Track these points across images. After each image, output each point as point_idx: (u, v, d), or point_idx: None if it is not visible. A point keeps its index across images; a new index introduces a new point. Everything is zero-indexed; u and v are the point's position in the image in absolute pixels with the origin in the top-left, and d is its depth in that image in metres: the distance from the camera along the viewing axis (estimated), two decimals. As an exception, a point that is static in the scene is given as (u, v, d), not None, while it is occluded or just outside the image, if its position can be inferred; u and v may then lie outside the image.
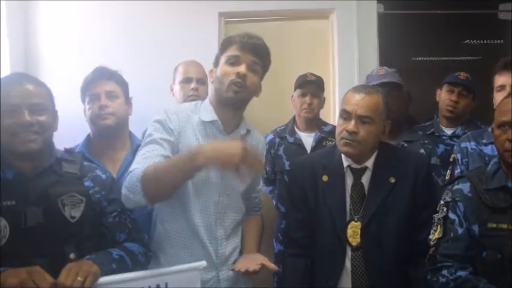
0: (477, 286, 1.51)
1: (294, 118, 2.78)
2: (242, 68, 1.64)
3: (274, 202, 2.79)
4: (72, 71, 2.84)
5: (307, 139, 2.69)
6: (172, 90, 2.52)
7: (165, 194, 1.55)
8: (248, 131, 1.79)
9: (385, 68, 2.47)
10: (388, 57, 3.26)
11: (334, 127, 2.65)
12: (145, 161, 1.54)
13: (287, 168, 2.61)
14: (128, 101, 2.09)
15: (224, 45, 1.69)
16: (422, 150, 2.31)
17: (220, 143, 1.56)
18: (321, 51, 3.25)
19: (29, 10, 3.05)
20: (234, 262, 1.72)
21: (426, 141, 2.46)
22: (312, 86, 2.67)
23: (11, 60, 2.87)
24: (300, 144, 2.67)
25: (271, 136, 2.78)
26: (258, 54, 1.68)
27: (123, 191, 1.52)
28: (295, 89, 2.73)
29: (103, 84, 2.01)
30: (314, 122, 2.72)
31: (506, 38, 3.36)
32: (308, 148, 2.66)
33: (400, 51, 3.39)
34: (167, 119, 1.63)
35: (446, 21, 3.31)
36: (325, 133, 2.67)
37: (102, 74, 2.02)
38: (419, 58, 3.43)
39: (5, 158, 1.45)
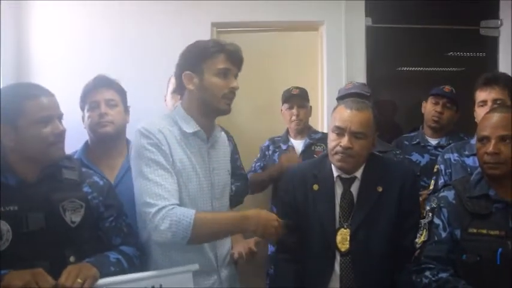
0: (456, 287, 1.59)
1: (287, 129, 2.93)
2: (235, 83, 1.68)
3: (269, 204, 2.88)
4: (64, 80, 2.85)
5: (298, 145, 2.83)
6: (165, 100, 2.56)
7: (206, 242, 1.66)
8: (220, 132, 1.84)
9: (353, 81, 2.74)
10: (375, 67, 3.35)
11: (323, 134, 2.82)
12: (167, 193, 1.55)
13: None
14: (126, 109, 2.13)
15: (207, 53, 1.65)
16: None
17: (262, 215, 1.64)
18: (310, 62, 3.33)
19: (21, 16, 3.06)
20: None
21: (398, 152, 2.59)
22: (297, 99, 2.82)
23: (2, 67, 2.84)
24: (292, 150, 2.80)
25: (267, 142, 2.95)
26: (241, 66, 1.72)
27: (163, 228, 1.52)
28: (282, 104, 2.88)
29: (103, 92, 2.05)
30: (305, 130, 2.86)
31: (487, 51, 3.49)
32: (298, 153, 2.79)
33: (387, 62, 3.48)
34: (157, 140, 1.60)
35: (431, 34, 3.41)
36: (314, 140, 2.80)
37: (102, 82, 2.07)
38: (405, 68, 3.51)
39: (9, 165, 1.49)
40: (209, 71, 1.64)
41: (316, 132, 2.90)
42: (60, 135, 1.53)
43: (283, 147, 2.84)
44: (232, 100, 1.69)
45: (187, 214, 1.53)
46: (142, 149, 1.59)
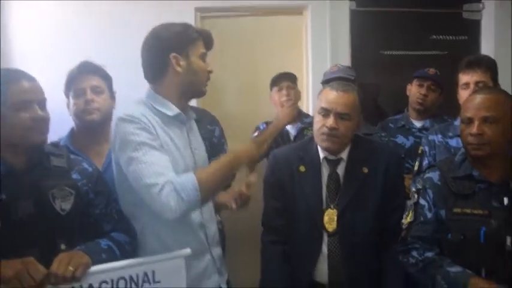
0: (442, 265, 1.64)
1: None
2: (210, 67, 1.73)
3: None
4: (49, 67, 2.80)
5: (291, 130, 2.85)
6: None
7: (215, 194, 1.69)
8: (193, 114, 1.83)
9: (338, 64, 2.74)
10: (359, 51, 3.37)
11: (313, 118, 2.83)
12: (167, 169, 1.53)
13: None
14: (112, 95, 2.10)
15: (190, 38, 1.67)
16: None
17: (246, 146, 1.70)
18: (295, 46, 3.33)
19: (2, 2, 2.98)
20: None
21: (383, 134, 2.63)
22: (285, 79, 2.86)
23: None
24: (286, 134, 2.84)
25: (264, 125, 2.94)
26: None
27: (172, 201, 1.48)
28: (271, 89, 2.90)
29: (88, 79, 2.02)
30: (296, 114, 2.83)
31: (470, 35, 3.53)
32: (292, 138, 2.82)
33: (371, 45, 3.50)
34: (144, 124, 1.57)
35: (414, 17, 3.44)
36: (306, 124, 2.81)
37: (87, 69, 2.04)
38: (389, 52, 3.53)
39: None
40: (194, 55, 1.67)
41: (307, 116, 2.92)
42: (40, 121, 1.49)
43: None
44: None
45: (189, 178, 1.51)
46: (129, 135, 1.55)
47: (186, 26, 1.71)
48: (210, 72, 1.73)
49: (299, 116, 2.87)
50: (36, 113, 1.48)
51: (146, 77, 1.73)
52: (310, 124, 2.74)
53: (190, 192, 1.49)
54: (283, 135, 2.82)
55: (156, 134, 1.59)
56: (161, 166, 1.53)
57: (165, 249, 1.61)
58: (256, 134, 2.91)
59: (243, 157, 1.66)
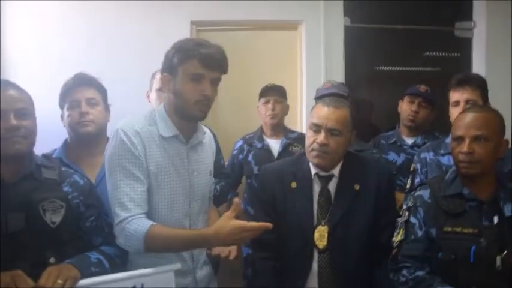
0: (432, 285, 1.64)
1: (261, 126, 2.91)
2: (208, 89, 1.57)
3: (243, 205, 2.87)
4: (43, 79, 2.83)
5: (275, 145, 2.82)
6: (148, 97, 2.54)
7: (163, 252, 1.63)
8: (204, 134, 1.77)
9: (332, 81, 2.70)
10: (353, 67, 3.40)
11: (299, 134, 2.81)
12: (132, 203, 1.55)
13: (256, 172, 2.72)
14: (106, 107, 2.10)
15: (184, 56, 1.56)
16: None
17: (221, 236, 1.48)
18: (289, 61, 3.37)
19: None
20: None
21: (375, 151, 2.63)
22: (273, 93, 2.81)
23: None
24: (267, 150, 2.80)
25: (240, 142, 2.91)
26: (221, 69, 1.61)
27: (121, 240, 1.55)
28: (259, 99, 2.86)
29: (83, 91, 2.01)
30: (280, 129, 2.85)
31: (462, 52, 3.58)
32: (275, 153, 2.78)
33: (365, 62, 3.53)
34: (131, 145, 1.56)
35: (408, 34, 3.48)
36: (291, 139, 2.80)
37: (82, 81, 2.03)
38: (382, 68, 3.57)
39: None
40: (184, 76, 1.56)
41: (293, 131, 2.90)
42: (14, 130, 1.46)
43: (258, 145, 2.82)
44: (208, 106, 1.60)
45: (141, 229, 1.51)
46: (116, 153, 1.57)
47: (186, 43, 1.59)
48: (205, 94, 1.57)
49: (283, 132, 2.84)
50: (9, 122, 1.46)
51: None
52: (295, 140, 2.76)
53: (135, 241, 1.52)
54: (266, 151, 2.79)
55: (146, 153, 1.58)
56: (131, 199, 1.55)
57: (150, 264, 1.59)
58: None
59: (205, 243, 1.61)
